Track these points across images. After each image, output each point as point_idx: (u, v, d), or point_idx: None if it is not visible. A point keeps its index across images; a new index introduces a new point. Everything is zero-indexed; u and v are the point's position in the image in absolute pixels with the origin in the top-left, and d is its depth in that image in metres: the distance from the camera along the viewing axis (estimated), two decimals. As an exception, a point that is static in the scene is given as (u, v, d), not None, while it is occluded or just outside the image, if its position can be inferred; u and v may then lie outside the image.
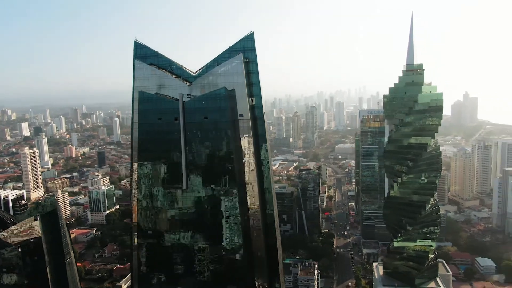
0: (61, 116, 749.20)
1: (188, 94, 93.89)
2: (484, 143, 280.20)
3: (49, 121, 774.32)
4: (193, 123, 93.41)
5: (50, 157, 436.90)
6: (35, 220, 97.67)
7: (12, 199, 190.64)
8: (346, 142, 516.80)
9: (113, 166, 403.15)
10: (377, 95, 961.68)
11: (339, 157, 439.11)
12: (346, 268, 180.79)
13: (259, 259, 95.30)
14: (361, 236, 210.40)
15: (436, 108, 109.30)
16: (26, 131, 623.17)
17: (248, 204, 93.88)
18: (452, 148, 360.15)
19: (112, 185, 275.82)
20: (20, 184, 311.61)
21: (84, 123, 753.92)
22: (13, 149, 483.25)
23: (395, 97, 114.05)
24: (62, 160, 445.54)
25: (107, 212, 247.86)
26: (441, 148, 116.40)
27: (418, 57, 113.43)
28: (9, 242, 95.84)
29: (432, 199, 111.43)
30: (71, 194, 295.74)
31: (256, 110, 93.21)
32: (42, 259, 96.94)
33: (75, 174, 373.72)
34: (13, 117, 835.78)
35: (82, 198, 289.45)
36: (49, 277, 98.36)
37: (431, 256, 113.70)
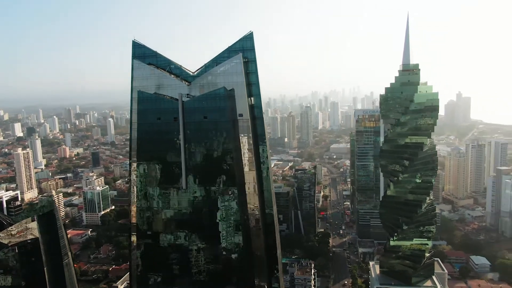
0: (54, 117, 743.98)
1: (187, 94, 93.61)
2: (478, 143, 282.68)
3: (42, 121, 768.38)
4: (193, 123, 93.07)
5: (43, 157, 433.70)
6: (32, 221, 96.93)
7: (6, 200, 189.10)
8: (340, 141, 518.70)
9: (107, 166, 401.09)
10: (371, 95, 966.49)
11: (334, 156, 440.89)
12: (342, 267, 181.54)
13: (258, 259, 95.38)
14: (357, 235, 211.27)
15: (431, 108, 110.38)
16: (19, 131, 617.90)
17: (248, 204, 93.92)
18: (446, 148, 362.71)
19: (107, 186, 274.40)
20: (13, 185, 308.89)
21: (77, 123, 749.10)
22: (6, 150, 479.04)
23: (391, 97, 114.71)
24: (56, 161, 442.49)
25: (102, 212, 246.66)
26: (436, 148, 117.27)
27: (414, 57, 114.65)
28: (6, 243, 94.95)
29: (428, 198, 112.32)
30: (65, 195, 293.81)
31: (256, 110, 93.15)
32: (40, 260, 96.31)
33: (69, 174, 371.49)
34: (6, 117, 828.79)
35: (76, 199, 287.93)
36: (46, 279, 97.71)
37: (427, 255, 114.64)
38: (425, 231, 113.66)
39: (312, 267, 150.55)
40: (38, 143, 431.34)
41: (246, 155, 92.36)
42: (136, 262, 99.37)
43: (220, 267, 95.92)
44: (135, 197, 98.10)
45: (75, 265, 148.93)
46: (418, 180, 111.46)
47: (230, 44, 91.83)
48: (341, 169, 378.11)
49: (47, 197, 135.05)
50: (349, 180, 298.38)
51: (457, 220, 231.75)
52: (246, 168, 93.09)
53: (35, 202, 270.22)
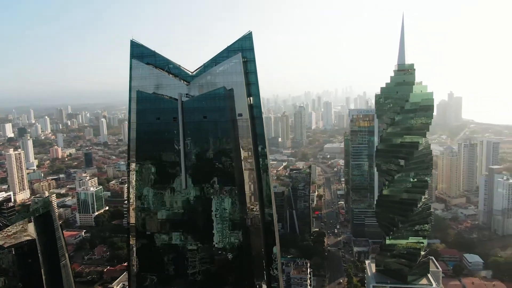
0: (46, 117, 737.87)
1: (186, 94, 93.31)
2: (470, 142, 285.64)
3: (33, 121, 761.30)
4: (192, 123, 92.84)
5: (35, 158, 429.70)
6: (29, 222, 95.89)
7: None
8: (334, 141, 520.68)
9: (100, 167, 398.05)
10: (364, 94, 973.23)
11: (328, 156, 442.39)
12: (338, 266, 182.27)
13: (258, 258, 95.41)
14: (352, 235, 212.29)
15: (426, 108, 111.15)
16: (9, 132, 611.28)
17: (247, 203, 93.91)
18: (438, 147, 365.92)
19: (101, 186, 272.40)
20: (5, 186, 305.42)
21: (69, 123, 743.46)
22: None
23: (386, 97, 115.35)
24: (48, 162, 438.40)
25: (96, 213, 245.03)
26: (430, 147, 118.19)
27: (409, 58, 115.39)
28: (2, 244, 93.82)
29: (423, 197, 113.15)
30: (58, 195, 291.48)
31: (255, 110, 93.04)
32: (37, 261, 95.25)
33: (61, 175, 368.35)
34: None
35: (69, 200, 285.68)
36: (43, 280, 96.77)
37: (422, 253, 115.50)
38: (420, 230, 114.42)
39: (308, 267, 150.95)
40: (30, 143, 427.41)
41: (245, 154, 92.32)
42: (135, 263, 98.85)
43: (219, 266, 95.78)
44: (134, 198, 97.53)
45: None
46: (413, 179, 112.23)
47: (228, 44, 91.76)
48: (335, 169, 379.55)
49: (44, 198, 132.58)
50: (343, 179, 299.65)
51: (450, 218, 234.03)
52: (245, 168, 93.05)
53: (28, 203, 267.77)
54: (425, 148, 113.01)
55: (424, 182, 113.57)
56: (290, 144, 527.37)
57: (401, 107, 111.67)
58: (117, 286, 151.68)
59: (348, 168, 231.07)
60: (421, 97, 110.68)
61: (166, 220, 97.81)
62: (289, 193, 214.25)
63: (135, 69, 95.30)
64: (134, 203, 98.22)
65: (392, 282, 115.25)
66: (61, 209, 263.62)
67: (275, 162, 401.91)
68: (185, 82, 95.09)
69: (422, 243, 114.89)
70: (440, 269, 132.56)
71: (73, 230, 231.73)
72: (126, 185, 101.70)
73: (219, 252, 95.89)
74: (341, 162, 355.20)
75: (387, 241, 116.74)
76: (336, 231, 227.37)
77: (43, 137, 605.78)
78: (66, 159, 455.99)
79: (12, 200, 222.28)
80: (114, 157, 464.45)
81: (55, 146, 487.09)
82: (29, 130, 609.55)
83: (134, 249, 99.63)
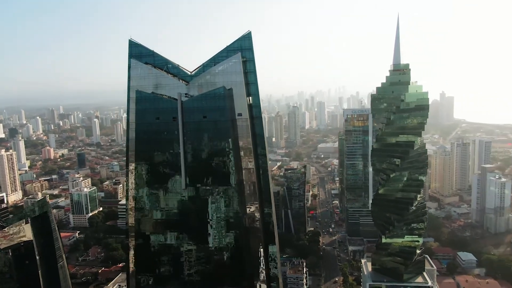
0: (38, 117, 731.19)
1: (186, 94, 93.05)
2: (462, 141, 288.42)
3: (24, 122, 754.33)
4: (192, 123, 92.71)
5: (27, 159, 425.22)
6: (26, 223, 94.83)
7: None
8: (328, 141, 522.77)
9: (93, 167, 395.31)
10: (356, 94, 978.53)
11: (322, 156, 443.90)
12: (333, 265, 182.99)
13: (257, 257, 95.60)
14: (346, 234, 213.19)
15: (422, 107, 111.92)
16: (0, 132, 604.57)
17: (246, 203, 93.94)
18: (431, 146, 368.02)
19: (95, 187, 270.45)
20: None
21: (61, 124, 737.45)
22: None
23: (382, 96, 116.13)
24: (40, 162, 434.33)
25: (90, 214, 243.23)
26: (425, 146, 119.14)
27: (403, 57, 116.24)
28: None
29: (419, 196, 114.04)
30: (51, 196, 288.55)
31: (254, 109, 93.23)
32: (34, 263, 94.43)
33: (54, 176, 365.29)
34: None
35: (62, 201, 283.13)
36: (41, 281, 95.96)
37: (418, 251, 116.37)
38: (415, 229, 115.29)
39: (304, 266, 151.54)
40: (22, 144, 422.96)
41: (245, 154, 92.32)
42: (134, 264, 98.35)
43: (219, 266, 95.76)
44: (132, 198, 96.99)
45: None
46: (409, 178, 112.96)
47: (226, 44, 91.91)
48: (329, 168, 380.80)
49: (41, 199, 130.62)
50: (337, 179, 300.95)
51: (443, 217, 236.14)
52: (245, 167, 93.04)
53: (21, 204, 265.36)
54: (420, 148, 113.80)
55: (420, 181, 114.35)
56: (284, 144, 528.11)
57: (397, 106, 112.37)
58: (112, 287, 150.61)
59: (343, 168, 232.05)
60: (416, 97, 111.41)
61: (166, 221, 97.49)
62: (284, 192, 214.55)
63: (134, 69, 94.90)
64: (133, 203, 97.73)
65: (388, 281, 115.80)
66: (54, 210, 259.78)
67: (269, 162, 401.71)
68: (184, 82, 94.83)
69: (418, 241, 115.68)
70: (435, 267, 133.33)
71: (67, 231, 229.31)
72: (125, 185, 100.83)
73: (221, 252, 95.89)
74: (335, 161, 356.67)
75: (383, 240, 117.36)
76: (331, 230, 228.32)
77: (34, 138, 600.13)
78: (59, 159, 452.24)
79: (5, 201, 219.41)
80: (107, 158, 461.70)
81: (47, 147, 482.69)
82: (20, 131, 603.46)
83: (133, 249, 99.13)
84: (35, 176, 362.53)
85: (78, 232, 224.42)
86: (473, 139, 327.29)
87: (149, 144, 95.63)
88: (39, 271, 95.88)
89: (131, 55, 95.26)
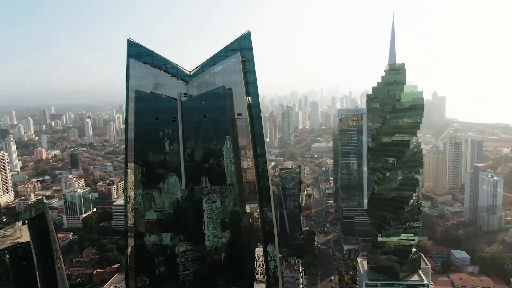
0: (29, 118, 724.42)
1: (185, 93, 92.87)
2: (455, 141, 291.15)
3: (15, 123, 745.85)
4: (192, 122, 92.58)
5: (18, 160, 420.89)
6: (23, 224, 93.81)
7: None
8: (321, 141, 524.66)
9: (86, 168, 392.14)
10: (349, 94, 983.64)
11: (316, 155, 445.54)
12: (328, 264, 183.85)
13: (257, 257, 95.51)
14: (341, 233, 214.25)
15: (417, 107, 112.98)
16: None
17: (246, 202, 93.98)
18: (424, 146, 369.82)
19: (88, 188, 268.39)
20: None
21: (53, 124, 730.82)
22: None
23: (377, 96, 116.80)
24: (32, 163, 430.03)
25: (84, 215, 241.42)
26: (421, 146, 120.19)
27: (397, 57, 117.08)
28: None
29: (414, 194, 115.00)
30: (44, 198, 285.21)
31: (253, 109, 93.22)
32: (31, 264, 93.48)
33: (46, 177, 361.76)
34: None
35: (55, 202, 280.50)
36: (38, 283, 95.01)
37: (413, 250, 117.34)
38: (411, 227, 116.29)
39: (299, 265, 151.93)
40: (13, 145, 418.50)
41: (244, 154, 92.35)
42: (134, 264, 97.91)
43: (219, 265, 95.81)
44: (131, 199, 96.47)
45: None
46: (405, 177, 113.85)
47: (225, 44, 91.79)
48: (323, 168, 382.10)
49: (38, 200, 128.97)
50: (331, 178, 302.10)
51: (437, 216, 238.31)
52: (244, 167, 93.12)
53: (13, 205, 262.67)
54: (416, 147, 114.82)
55: (415, 180, 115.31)
56: (278, 143, 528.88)
57: (392, 106, 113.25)
58: (109, 287, 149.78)
59: (337, 167, 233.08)
60: (411, 97, 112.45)
61: (165, 220, 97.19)
62: (279, 192, 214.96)
63: (132, 68, 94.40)
64: (133, 203, 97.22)
65: (384, 279, 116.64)
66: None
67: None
68: (183, 82, 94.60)
69: (413, 240, 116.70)
70: (429, 265, 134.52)
71: (61, 232, 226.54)
72: (124, 185, 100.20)
73: (221, 252, 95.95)
74: (329, 161, 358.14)
75: (379, 239, 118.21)
76: (326, 230, 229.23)
77: (26, 138, 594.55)
78: (51, 160, 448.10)
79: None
80: (100, 158, 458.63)
81: (39, 148, 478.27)
82: (11, 132, 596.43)
83: (133, 250, 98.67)
84: (27, 177, 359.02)
85: (72, 233, 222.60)
86: (465, 138, 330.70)
87: (149, 144, 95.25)
88: (37, 272, 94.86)
89: (129, 55, 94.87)
